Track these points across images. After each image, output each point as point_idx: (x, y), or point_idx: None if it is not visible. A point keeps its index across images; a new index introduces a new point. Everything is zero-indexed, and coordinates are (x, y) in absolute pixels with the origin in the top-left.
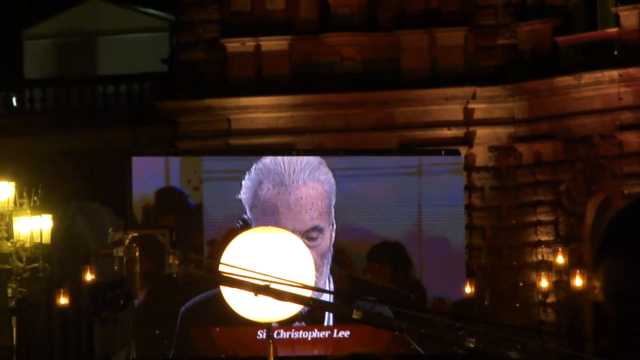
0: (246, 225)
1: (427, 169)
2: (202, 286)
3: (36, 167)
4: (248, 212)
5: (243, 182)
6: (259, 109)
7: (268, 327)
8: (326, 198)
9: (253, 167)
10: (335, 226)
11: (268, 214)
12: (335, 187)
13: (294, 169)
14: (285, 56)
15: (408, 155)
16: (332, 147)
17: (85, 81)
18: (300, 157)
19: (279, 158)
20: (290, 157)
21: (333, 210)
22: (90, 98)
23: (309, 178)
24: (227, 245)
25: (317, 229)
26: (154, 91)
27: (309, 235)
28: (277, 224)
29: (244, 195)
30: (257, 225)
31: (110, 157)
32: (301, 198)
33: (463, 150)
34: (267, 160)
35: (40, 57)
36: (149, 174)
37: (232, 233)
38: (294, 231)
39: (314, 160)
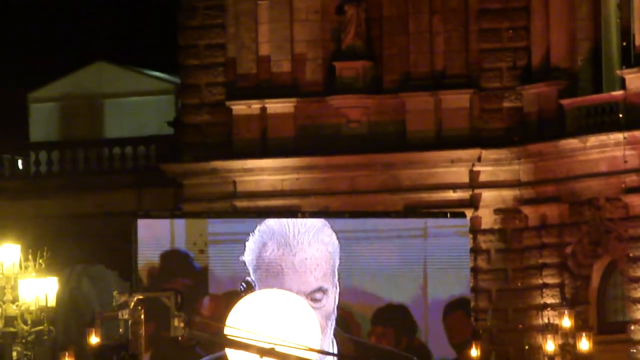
0: (249, 288)
1: (432, 232)
2: (207, 349)
3: (41, 230)
4: (252, 274)
5: (246, 244)
6: (265, 171)
7: None
8: (330, 260)
9: (257, 229)
10: (338, 288)
11: (272, 275)
12: (339, 249)
13: (298, 230)
14: (290, 118)
15: (413, 217)
16: (338, 210)
17: (90, 144)
18: (305, 220)
19: (283, 220)
20: (294, 220)
21: (337, 273)
22: (96, 161)
23: (314, 239)
24: (232, 308)
25: (322, 290)
26: (160, 153)
27: (313, 296)
28: (281, 285)
29: (247, 257)
30: (261, 287)
31: (115, 219)
32: (306, 259)
33: (469, 213)
34: (271, 221)
35: (46, 120)
36: (154, 237)
37: (237, 295)
38: (298, 292)
39: (317, 222)
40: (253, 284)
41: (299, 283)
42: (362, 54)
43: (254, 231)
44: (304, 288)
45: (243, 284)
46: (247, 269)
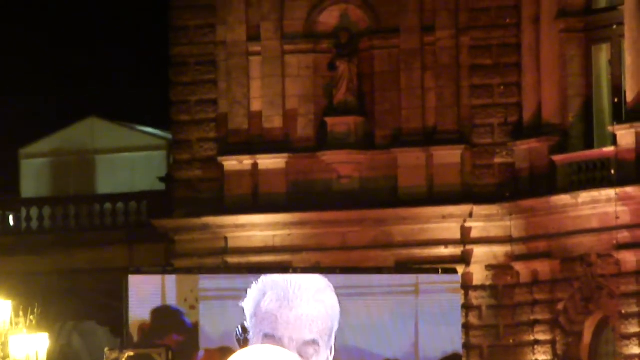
0: (245, 332)
1: (424, 288)
2: None
3: (32, 286)
4: (248, 320)
5: (248, 291)
6: (256, 227)
7: None
8: (328, 321)
9: (260, 278)
10: (334, 351)
11: (266, 323)
12: (339, 313)
13: (300, 286)
14: (282, 174)
15: (405, 273)
16: (329, 265)
17: (82, 199)
18: (309, 276)
19: (287, 275)
20: (298, 275)
21: (334, 336)
22: (87, 217)
23: (314, 299)
24: None
25: (314, 344)
26: (151, 209)
27: (305, 350)
28: (274, 332)
29: (247, 304)
30: (255, 334)
31: (106, 275)
32: (302, 315)
33: (460, 269)
34: (276, 275)
35: (37, 176)
36: (145, 293)
37: (228, 351)
38: (290, 340)
39: (321, 282)
40: (248, 330)
41: (292, 332)
42: (354, 110)
43: (257, 279)
44: (296, 336)
45: (239, 327)
46: (244, 315)
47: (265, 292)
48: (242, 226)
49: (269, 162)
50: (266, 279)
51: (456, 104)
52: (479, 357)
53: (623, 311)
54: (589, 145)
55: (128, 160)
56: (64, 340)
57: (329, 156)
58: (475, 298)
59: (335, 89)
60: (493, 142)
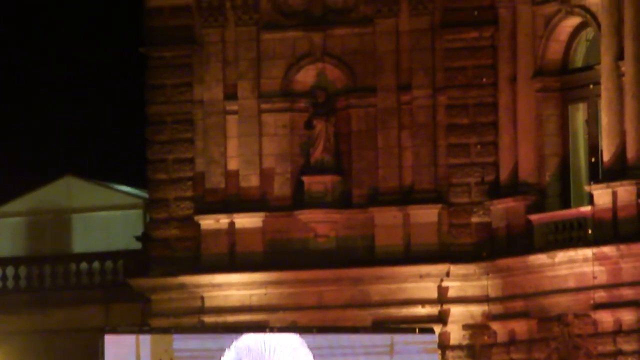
0: None
1: (399, 348)
2: None
3: (8, 347)
4: None
5: (222, 359)
6: (233, 286)
7: None
8: None
9: (233, 344)
10: None
11: None
12: None
13: (274, 348)
14: (258, 233)
15: (382, 333)
16: (306, 325)
17: (58, 259)
18: (282, 336)
19: (260, 336)
20: (271, 335)
21: None
22: (63, 276)
23: (289, 358)
24: None
25: None
26: (127, 268)
27: None
28: None
29: None
30: None
31: (82, 335)
32: None
33: (437, 329)
34: (248, 337)
35: (13, 235)
36: (120, 352)
37: None
38: None
39: (295, 340)
40: None
41: None
42: (331, 169)
43: (230, 346)
44: None
45: None
46: None
47: (240, 358)
48: (218, 285)
49: (246, 221)
50: (240, 345)
51: (433, 163)
52: None
53: None
54: (566, 205)
55: (104, 219)
56: None
57: (305, 215)
58: (452, 358)
59: (312, 147)
60: (470, 201)
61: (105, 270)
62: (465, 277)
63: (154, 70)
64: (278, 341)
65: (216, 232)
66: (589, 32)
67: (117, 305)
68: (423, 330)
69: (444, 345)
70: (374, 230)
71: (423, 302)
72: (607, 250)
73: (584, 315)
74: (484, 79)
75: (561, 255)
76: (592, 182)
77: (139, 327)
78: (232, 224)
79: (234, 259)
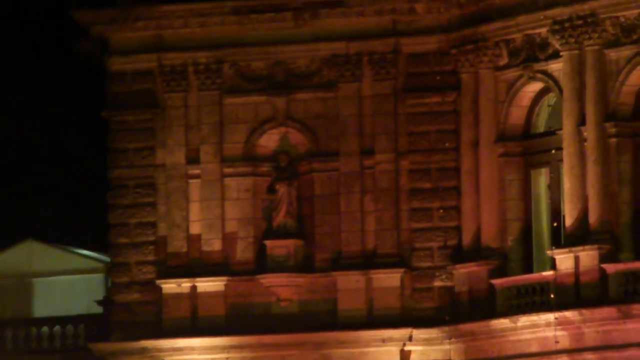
0: None
1: None
2: None
3: None
4: None
5: None
6: (195, 351)
7: None
8: None
9: None
10: None
11: None
12: None
13: None
14: (221, 297)
15: None
16: None
17: (19, 323)
18: None
19: None
20: None
21: None
22: (24, 340)
23: None
24: None
25: None
26: (89, 333)
27: None
28: None
29: None
30: None
31: None
32: None
33: None
34: None
35: None
36: None
37: None
38: None
39: None
40: None
41: None
42: (294, 233)
43: None
44: None
45: None
46: None
47: None
48: (180, 349)
49: (208, 285)
50: None
51: (396, 227)
52: None
53: None
54: (528, 269)
55: (65, 283)
56: None
57: (268, 279)
58: None
59: (274, 211)
60: (433, 265)
61: (67, 334)
62: (427, 342)
63: (117, 134)
64: None
65: (178, 296)
66: (551, 98)
67: None
68: None
69: None
70: (337, 295)
71: None
72: (570, 314)
73: None
74: (447, 144)
75: (524, 320)
76: (554, 247)
77: None
78: (194, 288)
79: (196, 323)
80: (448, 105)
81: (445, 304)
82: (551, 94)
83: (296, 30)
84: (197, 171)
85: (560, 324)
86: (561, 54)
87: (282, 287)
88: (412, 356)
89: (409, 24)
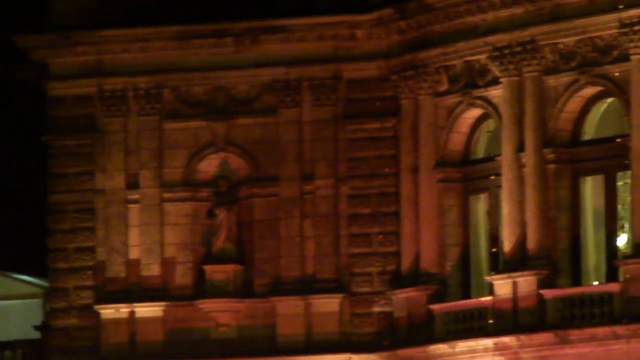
0: None
1: None
2: None
3: None
4: None
5: None
6: None
7: None
8: None
9: None
10: None
11: None
12: None
13: None
14: (159, 322)
15: None
16: None
17: None
18: None
19: None
20: None
21: None
22: None
23: None
24: None
25: None
26: (26, 358)
27: None
28: None
29: None
30: None
31: None
32: None
33: None
34: None
35: None
36: None
37: None
38: None
39: None
40: None
41: None
42: (233, 258)
43: None
44: None
45: None
46: None
47: None
48: None
49: (147, 310)
50: None
51: (335, 252)
52: None
53: None
54: (467, 295)
55: (3, 309)
56: None
57: (207, 304)
58: None
59: (214, 236)
60: (372, 290)
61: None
62: None
63: (56, 159)
64: None
65: (116, 322)
66: (490, 124)
67: None
68: None
69: None
70: (276, 320)
71: None
72: (508, 340)
73: None
74: (386, 169)
75: (462, 345)
76: (492, 273)
77: None
78: (132, 313)
79: (134, 349)
80: (388, 131)
81: (383, 329)
82: (490, 120)
83: (237, 56)
84: (136, 196)
85: (498, 349)
86: (500, 80)
87: (221, 313)
88: None
89: (349, 49)
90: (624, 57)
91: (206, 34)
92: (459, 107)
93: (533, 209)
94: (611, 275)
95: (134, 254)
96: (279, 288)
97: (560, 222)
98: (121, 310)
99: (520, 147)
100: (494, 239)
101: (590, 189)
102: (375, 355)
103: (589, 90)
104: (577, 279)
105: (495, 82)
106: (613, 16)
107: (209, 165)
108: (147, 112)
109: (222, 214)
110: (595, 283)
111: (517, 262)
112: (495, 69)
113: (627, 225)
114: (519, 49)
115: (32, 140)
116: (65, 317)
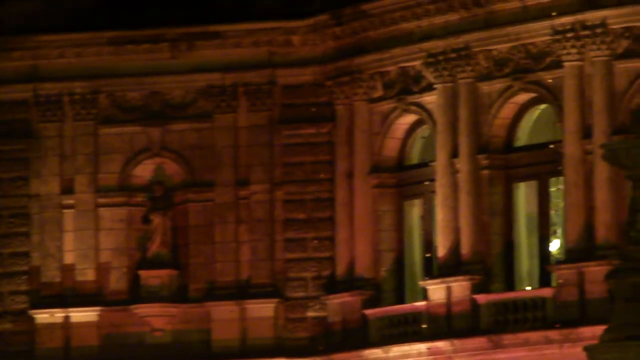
0: None
1: None
2: None
3: None
4: None
5: None
6: None
7: None
8: None
9: None
10: None
11: None
12: None
13: None
14: (94, 327)
15: None
16: None
17: None
18: None
19: None
20: None
21: None
22: None
23: None
24: None
25: None
26: None
27: None
28: None
29: None
30: None
31: None
32: None
33: None
34: None
35: None
36: None
37: None
38: None
39: None
40: None
41: None
42: (168, 263)
43: None
44: None
45: None
46: None
47: None
48: None
49: (82, 315)
50: None
51: (270, 257)
52: None
53: None
54: (401, 300)
55: None
56: None
57: (142, 309)
58: None
59: (149, 242)
60: (306, 295)
61: None
62: None
63: None
64: None
65: (51, 327)
66: (424, 130)
67: None
68: None
69: None
70: (211, 325)
71: None
72: (441, 345)
73: None
74: (322, 175)
75: (396, 350)
76: (426, 278)
77: None
78: (67, 318)
79: (69, 354)
80: (323, 136)
81: (318, 334)
82: (425, 126)
83: (172, 61)
84: (71, 201)
85: (432, 354)
86: (435, 86)
87: (156, 317)
88: None
89: (284, 55)
90: (557, 64)
91: (142, 39)
92: (393, 113)
93: (467, 214)
94: (544, 280)
95: (68, 259)
96: (214, 293)
97: (494, 227)
98: (56, 315)
99: (454, 153)
100: (428, 244)
101: (524, 194)
102: (310, 359)
103: (523, 97)
104: (510, 284)
105: (429, 88)
106: (546, 23)
107: (144, 171)
108: (82, 117)
109: (157, 219)
110: (529, 288)
111: (451, 267)
112: (429, 75)
113: (559, 231)
114: (453, 55)
115: None
116: None
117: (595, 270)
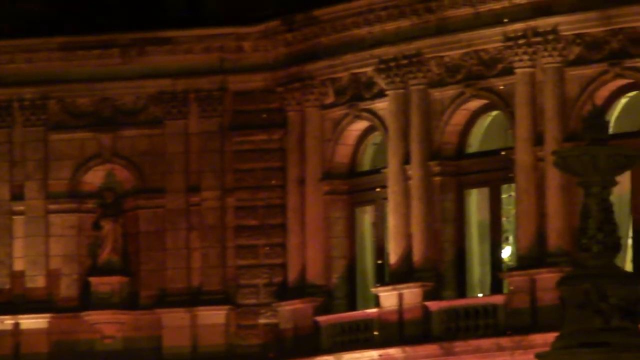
0: None
1: None
2: None
3: None
4: None
5: None
6: None
7: None
8: None
9: None
10: None
11: None
12: None
13: None
14: (44, 334)
15: None
16: None
17: None
18: None
19: None
20: None
21: None
22: None
23: None
24: None
25: None
26: None
27: None
28: None
29: None
30: None
31: None
32: None
33: None
34: None
35: None
36: None
37: None
38: None
39: None
40: None
41: None
42: (118, 270)
43: None
44: None
45: None
46: None
47: None
48: None
49: (31, 322)
50: None
51: (221, 264)
52: None
53: None
54: (353, 307)
55: None
56: None
57: (92, 316)
58: None
59: (99, 248)
60: (258, 302)
61: None
62: None
63: None
64: None
65: (0, 334)
66: (376, 136)
67: None
68: None
69: None
70: (162, 332)
71: None
72: (393, 351)
73: None
74: (273, 181)
75: (347, 357)
76: (378, 284)
77: None
78: (16, 325)
79: None
80: (274, 143)
81: (270, 341)
82: (377, 133)
83: (123, 67)
84: (21, 207)
85: None
86: (387, 93)
87: (106, 324)
88: None
89: (236, 61)
90: (509, 71)
91: (92, 45)
92: (345, 120)
93: (419, 221)
94: (496, 287)
95: (18, 265)
96: (165, 300)
97: (446, 234)
98: (5, 322)
99: (406, 160)
100: (380, 251)
101: (475, 201)
102: None
103: (474, 103)
104: (462, 291)
105: (381, 94)
106: (498, 30)
107: (94, 177)
108: (32, 123)
109: (107, 226)
110: (480, 295)
111: (402, 274)
112: (381, 82)
113: (511, 238)
114: (405, 61)
115: None
116: None
117: (547, 277)
